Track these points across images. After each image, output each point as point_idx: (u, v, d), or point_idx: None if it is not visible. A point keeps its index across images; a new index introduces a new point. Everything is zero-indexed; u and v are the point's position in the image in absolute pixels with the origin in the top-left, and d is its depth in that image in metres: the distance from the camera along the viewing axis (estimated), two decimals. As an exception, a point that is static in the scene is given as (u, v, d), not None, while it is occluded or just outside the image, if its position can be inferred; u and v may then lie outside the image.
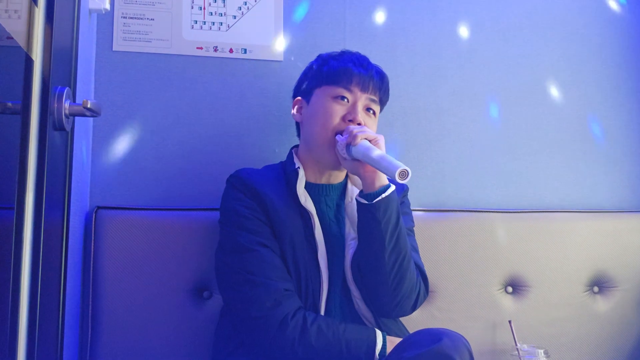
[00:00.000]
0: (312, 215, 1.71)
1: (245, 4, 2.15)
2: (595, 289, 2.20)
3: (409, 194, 1.93)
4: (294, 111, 1.88)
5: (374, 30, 2.26)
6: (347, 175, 1.85)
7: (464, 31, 2.33)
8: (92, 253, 1.86)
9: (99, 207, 1.91)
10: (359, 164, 1.66)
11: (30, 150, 1.09)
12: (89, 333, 1.84)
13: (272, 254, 1.65)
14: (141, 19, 2.08)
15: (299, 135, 1.91)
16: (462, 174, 2.27)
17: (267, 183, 1.74)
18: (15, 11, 1.10)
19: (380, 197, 1.62)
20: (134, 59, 2.07)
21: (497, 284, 2.11)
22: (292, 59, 2.16)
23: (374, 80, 1.79)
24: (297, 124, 1.91)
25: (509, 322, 1.97)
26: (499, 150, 2.31)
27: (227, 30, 2.13)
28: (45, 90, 1.14)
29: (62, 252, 1.41)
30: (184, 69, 2.10)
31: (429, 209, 2.14)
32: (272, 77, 2.15)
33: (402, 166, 1.52)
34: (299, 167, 1.76)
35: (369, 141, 1.65)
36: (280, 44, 2.17)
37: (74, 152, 1.51)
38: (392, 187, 1.65)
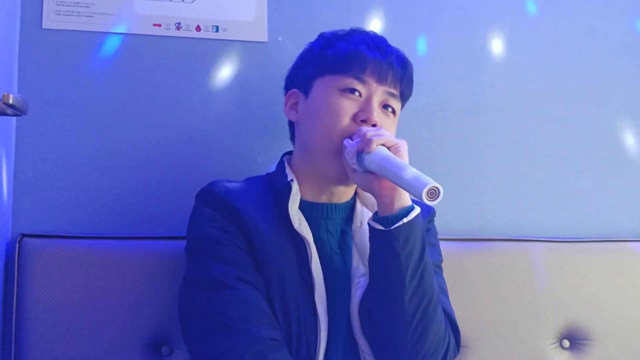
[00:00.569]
0: (308, 243, 1.68)
1: (218, -32, 2.17)
2: (679, 343, 2.21)
3: (435, 218, 1.91)
4: (287, 107, 1.87)
5: (390, 5, 2.28)
6: (355, 193, 1.84)
7: (507, 7, 2.36)
8: (14, 293, 1.86)
9: (23, 235, 1.91)
10: (373, 177, 1.63)
11: None
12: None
13: (254, 292, 1.62)
14: (80, -13, 2.08)
15: (292, 139, 1.91)
16: (505, 192, 2.30)
17: (250, 200, 1.72)
18: None
19: (400, 223, 1.57)
20: (71, 39, 2.07)
21: (550, 336, 2.13)
22: (280, 39, 2.19)
23: (394, 67, 1.77)
24: (291, 124, 1.90)
25: (566, 386, 1.99)
26: (554, 161, 2.34)
27: (193, 2, 2.15)
28: (-47, 81, 1.17)
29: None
30: (137, 52, 2.10)
31: (460, 237, 2.16)
32: (253, 63, 2.17)
33: (432, 183, 1.47)
34: (292, 180, 1.74)
35: (388, 148, 1.62)
36: (263, 20, 2.19)
37: (-9, 162, 1.52)
38: (417, 210, 1.61)
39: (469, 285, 2.05)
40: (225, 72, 2.16)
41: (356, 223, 1.78)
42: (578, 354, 2.15)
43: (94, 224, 2.03)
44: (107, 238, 1.97)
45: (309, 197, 1.78)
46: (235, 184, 1.77)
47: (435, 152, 2.26)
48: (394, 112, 1.79)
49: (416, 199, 1.52)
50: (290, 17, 2.21)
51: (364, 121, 1.70)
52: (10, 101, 1.31)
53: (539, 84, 2.36)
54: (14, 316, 1.87)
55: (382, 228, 1.58)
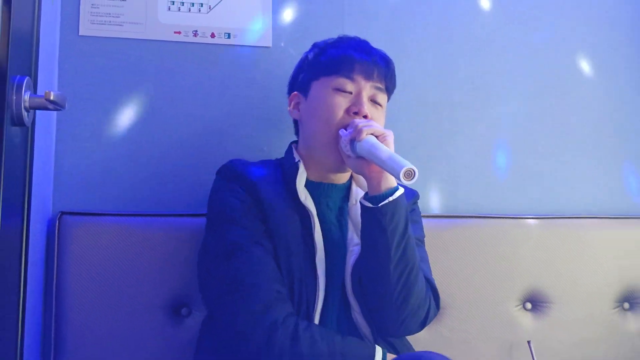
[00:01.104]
0: (312, 214, 1.70)
1: (230, -17, 2.16)
2: (626, 305, 2.21)
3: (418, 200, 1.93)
4: (291, 107, 1.88)
5: (377, 12, 2.26)
6: (351, 176, 1.85)
7: (481, 11, 2.34)
8: (55, 264, 1.86)
9: (63, 213, 1.90)
10: (364, 162, 1.64)
11: (-15, 148, 1.10)
12: (52, 355, 1.84)
13: (264, 253, 1.63)
14: (111, 0, 2.09)
15: (297, 133, 1.91)
16: (477, 175, 2.28)
17: (263, 177, 1.74)
18: (-31, -8, 1.11)
19: (387, 201, 1.60)
20: (103, 44, 2.06)
21: (515, 299, 2.13)
22: (283, 44, 2.17)
23: (379, 66, 1.79)
24: (295, 122, 1.91)
25: (528, 342, 1.98)
26: (519, 149, 2.33)
27: (208, 12, 2.14)
28: (2, 80, 1.14)
29: (22, 264, 1.41)
30: (160, 56, 2.10)
31: (438, 215, 2.16)
32: (259, 65, 2.15)
33: (409, 165, 1.50)
34: (299, 161, 1.76)
35: (376, 137, 1.63)
36: (268, 28, 2.17)
37: (35, 150, 1.51)
38: (401, 190, 1.63)
39: (446, 256, 2.03)
40: (235, 73, 2.15)
41: (352, 201, 1.80)
42: (538, 315, 2.14)
43: (124, 203, 2.02)
44: (135, 215, 1.96)
45: (313, 178, 1.79)
46: (251, 163, 1.80)
47: (416, 142, 2.25)
48: (382, 106, 1.80)
49: (400, 182, 1.53)
50: (291, 26, 2.19)
51: (356, 113, 1.72)
52: (52, 97, 1.30)
53: (504, 84, 2.34)
54: (54, 284, 1.86)
55: (371, 205, 1.61)
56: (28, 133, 1.43)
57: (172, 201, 2.05)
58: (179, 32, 2.12)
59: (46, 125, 1.86)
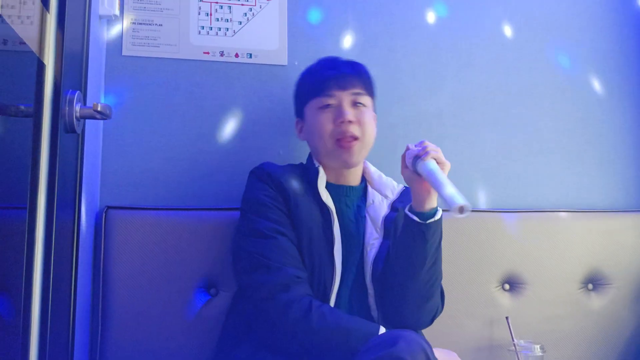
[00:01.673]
0: (331, 211, 1.71)
1: (251, 10, 2.15)
2: (590, 286, 2.19)
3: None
4: (297, 132, 1.90)
5: (376, 35, 2.25)
6: (364, 178, 1.86)
7: (463, 38, 2.33)
8: (102, 252, 1.85)
9: (109, 207, 1.90)
10: (418, 178, 1.61)
11: (42, 152, 1.09)
12: (99, 330, 1.84)
13: (289, 242, 1.64)
14: (150, 24, 2.07)
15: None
16: (462, 175, 2.24)
17: (290, 178, 1.74)
18: (28, 17, 1.10)
19: (433, 219, 1.61)
20: (143, 63, 2.06)
21: (495, 281, 2.11)
22: (296, 63, 2.15)
23: (349, 75, 1.79)
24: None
25: (506, 318, 1.96)
26: (497, 152, 2.31)
27: (233, 36, 2.13)
28: (56, 93, 1.13)
29: (73, 251, 1.41)
30: (191, 73, 2.09)
31: (428, 208, 2.13)
32: (276, 81, 2.14)
33: (463, 201, 1.39)
34: (319, 166, 1.77)
35: (437, 163, 1.58)
36: (284, 48, 2.16)
37: (85, 153, 1.50)
38: (441, 211, 1.64)
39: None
40: (256, 87, 2.13)
41: (369, 201, 1.81)
42: (515, 294, 2.12)
43: (161, 199, 2.01)
44: (171, 209, 1.95)
45: (332, 180, 1.80)
46: (280, 166, 1.80)
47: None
48: (365, 105, 1.79)
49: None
50: (304, 47, 2.18)
51: (342, 122, 1.73)
52: (99, 108, 1.28)
53: (485, 96, 2.32)
54: (101, 268, 1.85)
55: (419, 220, 1.61)
56: (79, 139, 1.42)
57: (202, 197, 2.03)
58: (208, 53, 2.11)
59: (94, 132, 1.85)
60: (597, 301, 2.18)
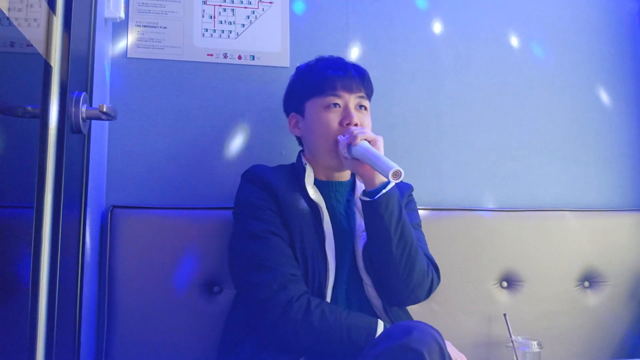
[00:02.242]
0: (321, 208, 1.71)
1: (254, 13, 2.15)
2: (586, 283, 2.19)
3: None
4: (291, 127, 1.89)
5: (376, 38, 2.25)
6: (352, 173, 1.86)
7: (461, 39, 2.33)
8: (107, 250, 1.85)
9: (114, 206, 1.90)
10: (359, 163, 1.65)
11: (49, 152, 1.09)
12: (105, 327, 1.84)
13: (281, 242, 1.64)
14: (154, 27, 2.07)
15: (300, 144, 1.91)
16: (460, 174, 2.26)
17: (279, 178, 1.74)
18: (35, 20, 1.10)
19: (380, 194, 1.62)
20: (148, 65, 2.06)
21: (493, 279, 2.10)
22: (298, 65, 2.14)
23: (356, 79, 1.79)
24: (298, 137, 1.91)
25: (504, 315, 1.96)
26: (494, 152, 2.30)
27: (236, 38, 2.13)
28: (63, 95, 1.13)
29: (79, 249, 1.41)
30: (195, 74, 2.09)
31: (428, 207, 2.12)
32: (278, 82, 2.12)
33: (396, 167, 1.52)
34: (306, 164, 1.77)
35: (369, 142, 1.65)
36: (286, 51, 2.16)
37: (91, 153, 1.50)
38: (392, 183, 1.64)
39: (434, 242, 1.96)
40: (258, 89, 2.13)
41: (357, 194, 1.80)
42: (513, 292, 2.12)
43: (165, 198, 2.01)
44: (178, 208, 1.95)
45: (322, 177, 1.81)
46: (270, 167, 1.81)
47: (409, 147, 2.23)
48: (366, 108, 1.81)
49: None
50: (305, 49, 2.17)
51: (348, 124, 1.73)
52: (104, 109, 1.28)
53: (483, 97, 2.32)
54: (107, 266, 1.85)
55: (369, 199, 1.64)
56: (85, 140, 1.42)
57: (206, 196, 2.03)
58: (211, 55, 2.11)
59: (100, 133, 1.84)
60: (593, 298, 2.17)
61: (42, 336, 1.05)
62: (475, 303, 2.07)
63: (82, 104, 1.23)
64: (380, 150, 1.64)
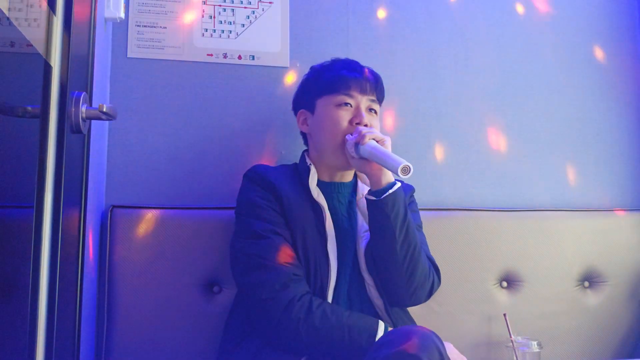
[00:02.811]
0: (323, 208, 1.71)
1: (253, 13, 2.15)
2: (586, 283, 2.19)
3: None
4: (300, 123, 1.89)
5: (376, 38, 2.25)
6: (355, 174, 1.86)
7: (460, 39, 2.33)
8: (107, 249, 1.86)
9: (114, 206, 1.90)
10: (366, 162, 1.66)
11: (49, 152, 1.09)
12: (105, 326, 1.84)
13: (283, 241, 1.65)
14: (154, 27, 2.07)
15: (306, 143, 1.91)
16: (459, 174, 2.26)
17: (282, 178, 1.75)
18: (35, 20, 1.10)
19: (387, 193, 1.62)
20: (148, 65, 2.06)
21: (493, 279, 2.10)
22: (298, 65, 2.15)
23: (370, 81, 1.80)
24: (304, 134, 1.91)
25: (504, 315, 1.96)
26: (494, 152, 2.30)
27: (236, 38, 2.13)
28: (63, 95, 1.13)
29: (79, 249, 1.41)
30: (195, 74, 2.09)
31: (427, 208, 2.11)
32: (278, 82, 2.14)
33: (404, 162, 1.54)
34: (310, 164, 1.78)
35: (377, 142, 1.66)
36: (286, 51, 2.16)
37: (90, 153, 1.50)
38: (398, 184, 1.66)
39: (434, 242, 1.96)
40: (258, 89, 2.13)
41: (359, 195, 1.81)
42: (512, 292, 2.12)
43: (165, 198, 2.01)
44: (174, 208, 1.95)
45: (325, 178, 1.81)
46: (272, 167, 1.82)
47: (408, 146, 2.23)
48: (376, 112, 1.82)
49: (398, 178, 1.59)
50: (305, 49, 2.18)
51: (358, 124, 1.74)
52: (104, 109, 1.28)
53: (482, 97, 2.32)
54: (106, 265, 1.86)
55: (375, 199, 1.64)
56: (85, 139, 1.42)
57: (206, 196, 2.03)
58: (211, 55, 2.11)
59: (100, 133, 1.84)
60: (593, 298, 2.18)
61: (42, 336, 1.05)
62: (475, 303, 2.07)
63: (82, 104, 1.24)
64: (388, 150, 1.66)
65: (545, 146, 2.35)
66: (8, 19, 0.96)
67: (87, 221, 1.51)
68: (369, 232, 1.71)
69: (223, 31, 2.12)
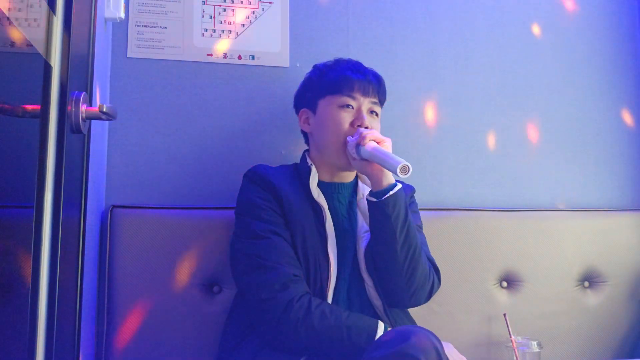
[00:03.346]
0: (323, 209, 1.72)
1: (254, 13, 2.15)
2: (586, 283, 2.19)
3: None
4: (301, 122, 1.89)
5: (376, 38, 2.25)
6: (356, 175, 1.86)
7: (460, 40, 2.33)
8: (107, 249, 1.86)
9: (114, 206, 1.90)
10: (367, 163, 1.67)
11: (49, 152, 1.09)
12: (105, 326, 1.84)
13: (283, 242, 1.65)
14: (154, 27, 2.07)
15: (307, 142, 1.91)
16: (459, 174, 2.26)
17: (282, 178, 1.75)
18: (35, 20, 1.10)
19: (388, 194, 1.63)
20: (148, 65, 2.06)
21: (493, 279, 2.10)
22: (298, 65, 2.15)
23: (373, 84, 1.81)
24: (305, 133, 1.91)
25: (504, 315, 1.96)
26: (494, 152, 2.31)
27: (236, 38, 2.13)
28: (63, 95, 1.13)
29: (79, 249, 1.41)
30: (195, 74, 2.09)
31: (428, 207, 2.11)
32: (278, 82, 2.14)
33: (403, 162, 1.55)
34: (311, 165, 1.78)
35: (377, 143, 1.66)
36: (286, 51, 2.16)
37: (90, 153, 1.50)
38: (399, 185, 1.66)
39: (434, 242, 1.96)
40: (258, 89, 2.13)
41: (359, 196, 1.81)
42: (512, 291, 2.12)
43: (164, 198, 2.01)
44: (174, 208, 1.96)
45: (325, 179, 1.81)
46: (272, 167, 1.81)
47: (409, 147, 2.23)
48: (377, 114, 1.82)
49: (397, 178, 1.60)
50: (305, 49, 2.18)
51: (359, 125, 1.74)
52: (104, 109, 1.28)
53: (483, 98, 2.32)
54: (106, 265, 1.86)
55: (376, 200, 1.64)
56: (85, 139, 1.42)
57: (206, 196, 2.03)
58: (211, 55, 2.11)
59: (100, 133, 1.84)
60: (593, 298, 2.18)
61: (42, 336, 1.04)
62: (475, 303, 2.07)
63: (82, 103, 1.24)
64: (388, 151, 1.66)
65: (545, 146, 2.35)
66: (8, 18, 0.96)
67: (87, 221, 1.50)
68: (369, 233, 1.72)
69: (223, 31, 2.12)
